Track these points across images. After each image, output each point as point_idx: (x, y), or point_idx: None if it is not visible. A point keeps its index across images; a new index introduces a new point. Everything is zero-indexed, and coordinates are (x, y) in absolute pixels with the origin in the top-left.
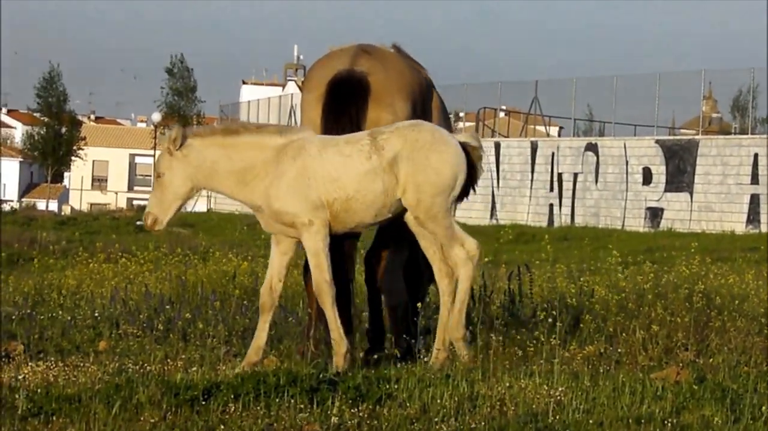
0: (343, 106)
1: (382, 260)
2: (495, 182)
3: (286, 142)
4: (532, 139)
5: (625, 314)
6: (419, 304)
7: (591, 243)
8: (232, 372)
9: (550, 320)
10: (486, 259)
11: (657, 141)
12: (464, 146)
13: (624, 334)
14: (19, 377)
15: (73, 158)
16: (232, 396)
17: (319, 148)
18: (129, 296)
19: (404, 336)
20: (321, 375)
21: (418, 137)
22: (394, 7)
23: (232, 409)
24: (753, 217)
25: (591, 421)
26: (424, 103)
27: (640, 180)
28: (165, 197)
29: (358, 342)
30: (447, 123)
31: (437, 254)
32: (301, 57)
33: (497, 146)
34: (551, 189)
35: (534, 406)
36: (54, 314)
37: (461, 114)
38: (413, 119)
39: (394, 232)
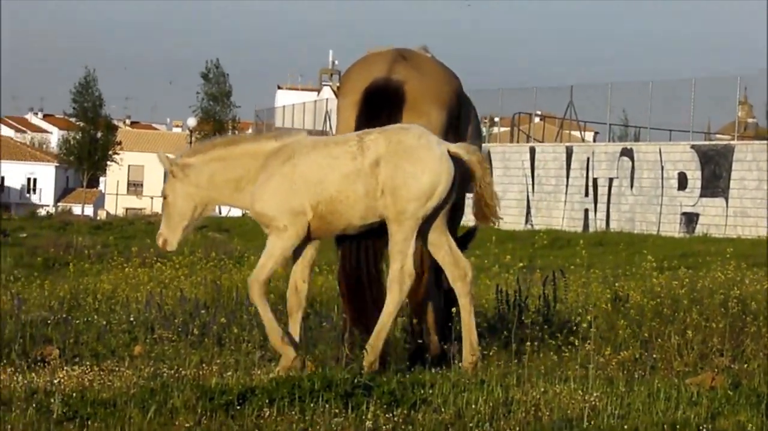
0: (378, 114)
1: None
2: (530, 187)
3: (279, 146)
4: (567, 144)
5: (660, 320)
6: (453, 309)
7: (626, 248)
8: (267, 377)
9: (584, 325)
10: (521, 264)
11: (692, 146)
12: (455, 157)
13: (659, 339)
14: (55, 381)
15: (108, 162)
16: (267, 401)
17: (308, 150)
18: (164, 300)
19: (440, 341)
20: (356, 380)
21: (401, 139)
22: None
23: (267, 414)
24: None
25: (626, 427)
26: (459, 110)
27: (676, 185)
28: (172, 218)
29: (398, 339)
30: (478, 130)
31: (447, 257)
32: (336, 62)
33: (532, 151)
34: (586, 194)
35: (569, 411)
36: (89, 319)
37: (496, 119)
38: (448, 127)
39: None
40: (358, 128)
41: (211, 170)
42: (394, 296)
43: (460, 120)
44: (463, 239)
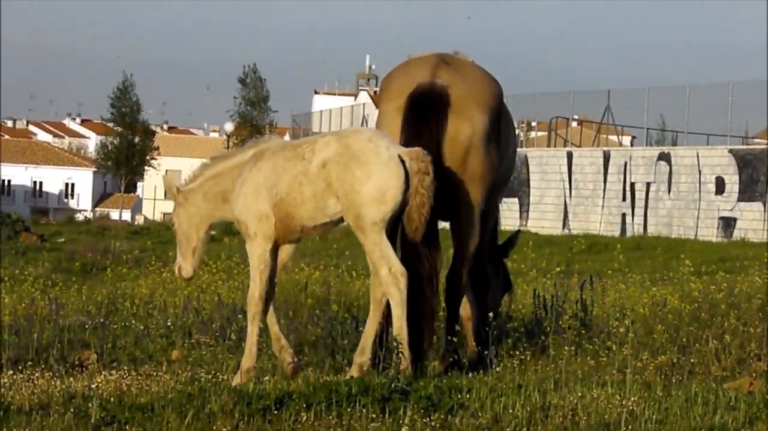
0: (424, 118)
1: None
2: (567, 191)
3: (254, 152)
4: (605, 148)
5: (698, 324)
6: (491, 314)
7: (663, 253)
8: (304, 382)
9: (622, 330)
10: (558, 269)
11: (730, 151)
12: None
13: (697, 344)
14: (93, 386)
15: (146, 167)
16: (304, 406)
17: (271, 154)
18: (202, 305)
19: (477, 345)
20: (393, 385)
21: (349, 143)
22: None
23: (304, 418)
24: None
25: None
26: (500, 115)
27: (713, 190)
28: (182, 245)
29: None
30: (515, 135)
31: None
32: (373, 67)
33: (569, 155)
34: (624, 199)
35: (606, 416)
36: (127, 324)
37: (533, 124)
38: (490, 130)
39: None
40: (404, 134)
41: (205, 189)
42: (395, 299)
43: (500, 124)
44: (504, 247)
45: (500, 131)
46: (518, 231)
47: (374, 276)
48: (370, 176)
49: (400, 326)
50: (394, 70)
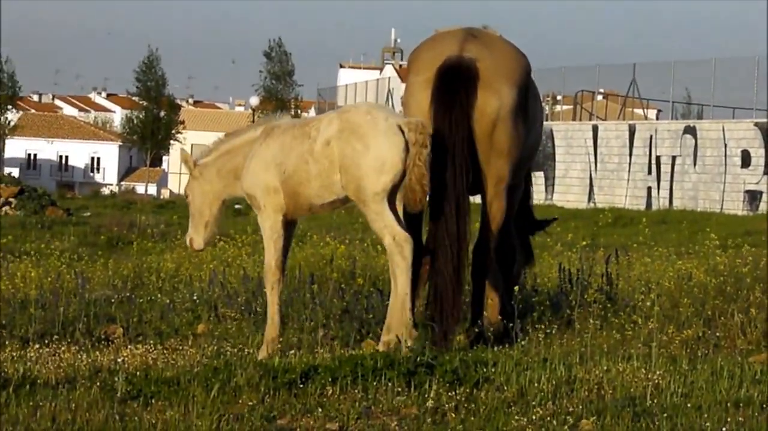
0: (453, 91)
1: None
2: (593, 165)
3: (264, 128)
4: (630, 122)
5: (723, 298)
6: (516, 287)
7: (689, 226)
8: (329, 355)
9: (648, 303)
10: (583, 242)
11: (756, 124)
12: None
13: (722, 318)
14: (119, 360)
15: (171, 141)
16: (330, 379)
17: (281, 132)
18: (227, 279)
19: (503, 319)
20: (418, 359)
21: (349, 118)
22: None
23: (330, 392)
24: None
25: (689, 405)
26: (528, 89)
27: (739, 163)
28: (194, 218)
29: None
30: (542, 109)
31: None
32: (399, 40)
33: (595, 129)
34: (649, 172)
35: (632, 390)
36: (153, 298)
37: (559, 97)
38: (517, 104)
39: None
40: (433, 108)
41: (218, 165)
42: (401, 266)
43: (528, 99)
44: (535, 225)
45: (528, 105)
46: (554, 219)
47: (394, 242)
48: (369, 147)
49: (404, 293)
50: (422, 44)
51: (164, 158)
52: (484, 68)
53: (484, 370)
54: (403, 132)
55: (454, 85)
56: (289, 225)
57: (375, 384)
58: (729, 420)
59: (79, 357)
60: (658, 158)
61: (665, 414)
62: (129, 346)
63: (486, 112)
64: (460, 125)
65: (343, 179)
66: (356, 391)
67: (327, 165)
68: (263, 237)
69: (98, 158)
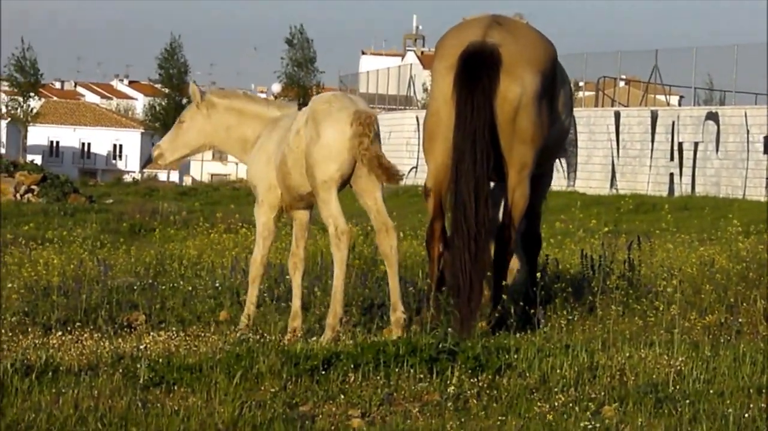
0: (475, 77)
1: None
2: (615, 151)
3: (278, 116)
4: (652, 108)
5: (745, 284)
6: (538, 274)
7: (711, 213)
8: (351, 342)
9: (670, 290)
10: (606, 229)
11: None
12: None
13: (745, 304)
14: (141, 347)
15: None
16: (352, 366)
17: (281, 124)
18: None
19: (525, 305)
20: (440, 345)
21: (313, 107)
22: None
23: (352, 379)
24: None
25: (711, 391)
26: (553, 77)
27: (761, 149)
28: (178, 141)
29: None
30: (571, 99)
31: (375, 221)
32: (420, 27)
33: (617, 115)
34: (671, 158)
35: (654, 376)
36: (175, 285)
37: (581, 83)
38: (541, 91)
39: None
40: (456, 93)
41: (229, 122)
42: (336, 257)
43: (554, 87)
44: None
45: (554, 92)
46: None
47: (378, 234)
48: (321, 135)
49: (338, 285)
50: (448, 31)
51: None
52: (507, 54)
53: (506, 357)
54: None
55: (477, 71)
56: (301, 216)
57: (397, 370)
58: (752, 406)
59: (102, 344)
60: (680, 144)
61: (687, 401)
62: (151, 333)
63: (508, 98)
64: (481, 110)
65: (306, 164)
66: (378, 378)
67: (299, 154)
68: (256, 232)
69: (120, 145)
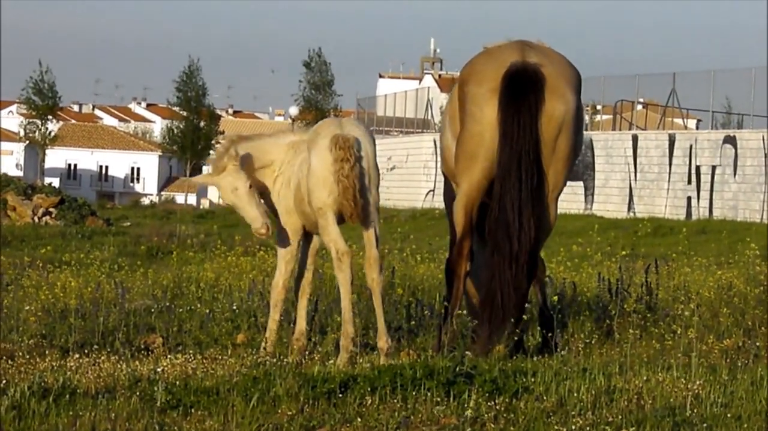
0: (522, 96)
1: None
2: (632, 174)
3: (297, 140)
4: (670, 131)
5: (763, 308)
6: (555, 297)
7: (729, 236)
8: (368, 365)
9: (687, 313)
10: (623, 252)
11: None
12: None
13: (762, 328)
14: (158, 369)
15: (211, 151)
16: (369, 389)
17: (299, 150)
18: (266, 289)
19: (542, 329)
20: (458, 368)
21: (309, 135)
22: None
23: (369, 402)
24: None
25: (729, 415)
26: (579, 96)
27: None
28: (245, 206)
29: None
30: (583, 117)
31: (366, 249)
32: (438, 50)
33: (635, 138)
34: (689, 182)
35: (671, 400)
36: (192, 308)
37: (598, 107)
38: (577, 110)
39: None
40: (500, 110)
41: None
42: (339, 280)
43: (580, 108)
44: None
45: (581, 114)
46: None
47: (365, 262)
48: (311, 163)
49: (345, 305)
50: (476, 57)
51: (204, 168)
52: (548, 74)
53: (524, 380)
54: None
55: (522, 90)
56: (309, 240)
57: (414, 393)
58: None
59: (119, 366)
60: (698, 167)
61: (705, 424)
62: (168, 356)
63: (554, 116)
64: (528, 128)
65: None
66: (395, 401)
67: (305, 180)
68: (278, 256)
69: (138, 168)
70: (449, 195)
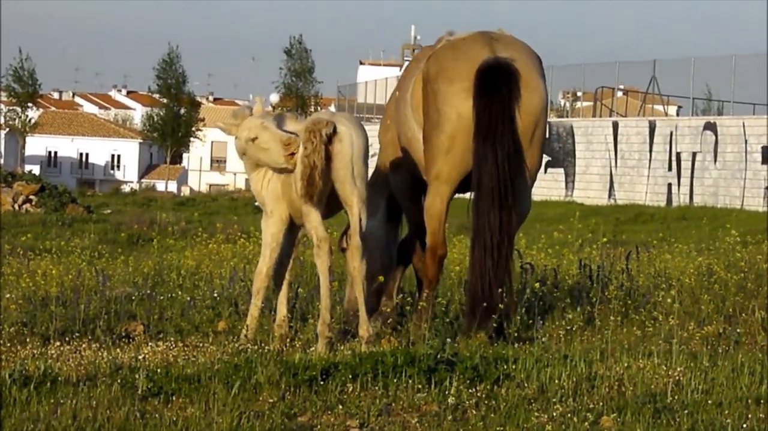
0: (496, 90)
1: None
2: (613, 161)
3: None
4: (650, 118)
5: (744, 294)
6: (537, 284)
7: (709, 223)
8: (349, 353)
9: (668, 300)
10: (604, 239)
11: None
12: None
13: (743, 314)
14: (139, 357)
15: (191, 139)
16: (350, 376)
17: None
18: (248, 276)
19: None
20: (439, 356)
21: (303, 123)
22: None
23: (350, 389)
24: None
25: (710, 402)
26: (545, 83)
27: (759, 159)
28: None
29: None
30: None
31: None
32: (419, 37)
33: (615, 125)
34: (669, 169)
35: (652, 386)
36: (173, 295)
37: (579, 94)
38: (547, 100)
39: None
40: (476, 105)
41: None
42: (318, 267)
43: (548, 95)
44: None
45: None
46: None
47: (347, 250)
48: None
49: (324, 292)
50: (442, 52)
51: (184, 155)
52: (521, 68)
53: (505, 367)
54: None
55: (498, 88)
56: (293, 230)
57: (395, 381)
58: (750, 416)
59: (100, 354)
60: (678, 154)
61: (686, 411)
62: (149, 343)
63: (530, 111)
64: (508, 127)
65: None
66: (377, 388)
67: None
68: (263, 243)
69: (118, 156)
70: (404, 184)
